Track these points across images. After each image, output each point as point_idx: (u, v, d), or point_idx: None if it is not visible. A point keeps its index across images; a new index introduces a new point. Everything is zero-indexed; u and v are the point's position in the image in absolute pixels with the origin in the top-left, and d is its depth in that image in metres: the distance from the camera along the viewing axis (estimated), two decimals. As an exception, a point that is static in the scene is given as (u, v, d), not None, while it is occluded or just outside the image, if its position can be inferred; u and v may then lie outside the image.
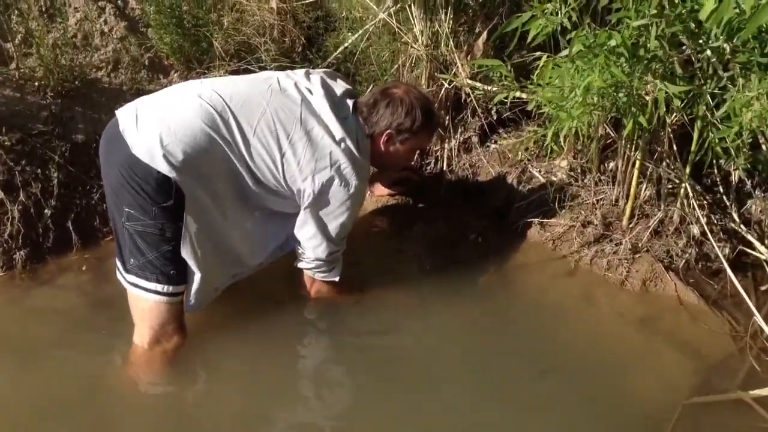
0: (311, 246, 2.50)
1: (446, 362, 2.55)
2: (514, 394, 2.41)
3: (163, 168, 2.17)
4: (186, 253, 2.28)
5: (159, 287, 2.28)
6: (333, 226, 2.46)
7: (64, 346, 2.54)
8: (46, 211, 2.92)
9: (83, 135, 3.01)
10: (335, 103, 2.43)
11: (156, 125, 2.22)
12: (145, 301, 2.30)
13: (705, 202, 2.99)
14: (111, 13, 3.30)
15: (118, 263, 2.34)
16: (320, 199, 2.40)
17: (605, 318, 2.78)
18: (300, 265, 2.59)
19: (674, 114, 2.65)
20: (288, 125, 2.33)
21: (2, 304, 2.74)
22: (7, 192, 2.85)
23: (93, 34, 3.18)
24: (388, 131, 2.49)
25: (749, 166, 2.70)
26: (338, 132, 2.37)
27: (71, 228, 2.96)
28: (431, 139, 2.92)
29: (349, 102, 2.49)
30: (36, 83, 3.02)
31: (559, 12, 2.19)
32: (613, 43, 2.17)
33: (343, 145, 2.37)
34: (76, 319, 2.65)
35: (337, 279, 2.60)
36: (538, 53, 2.43)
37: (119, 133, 2.24)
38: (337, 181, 2.38)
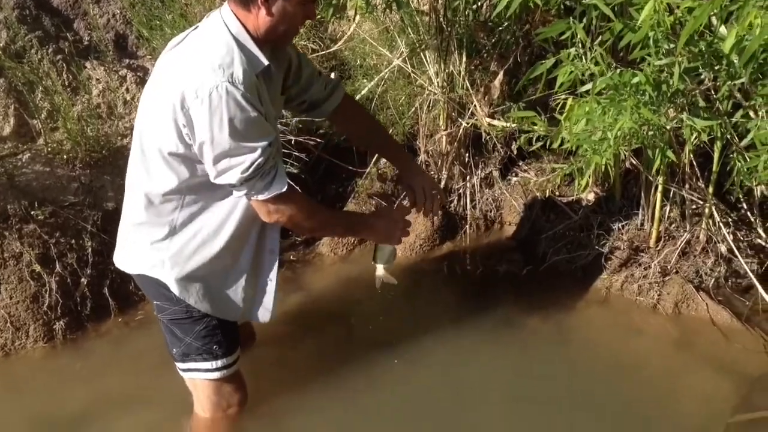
0: None
1: (485, 395, 2.59)
2: (553, 422, 2.46)
3: None
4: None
5: (207, 365, 2.22)
6: None
7: (117, 414, 2.55)
8: (82, 279, 2.95)
9: (113, 203, 3.03)
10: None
11: None
12: (200, 381, 2.27)
13: (730, 219, 3.04)
14: (132, 81, 3.34)
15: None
16: None
17: (641, 344, 2.82)
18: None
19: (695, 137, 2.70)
20: None
21: (47, 374, 2.74)
22: (44, 264, 2.88)
23: (116, 104, 3.23)
24: None
25: (772, 181, 2.74)
26: None
27: (107, 294, 2.99)
28: None
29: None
30: (65, 156, 3.05)
31: (584, 57, 2.23)
32: (636, 81, 2.21)
33: None
34: (122, 386, 2.65)
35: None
36: (561, 95, 2.47)
37: None
38: None
